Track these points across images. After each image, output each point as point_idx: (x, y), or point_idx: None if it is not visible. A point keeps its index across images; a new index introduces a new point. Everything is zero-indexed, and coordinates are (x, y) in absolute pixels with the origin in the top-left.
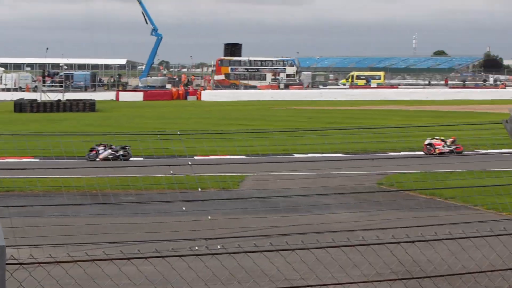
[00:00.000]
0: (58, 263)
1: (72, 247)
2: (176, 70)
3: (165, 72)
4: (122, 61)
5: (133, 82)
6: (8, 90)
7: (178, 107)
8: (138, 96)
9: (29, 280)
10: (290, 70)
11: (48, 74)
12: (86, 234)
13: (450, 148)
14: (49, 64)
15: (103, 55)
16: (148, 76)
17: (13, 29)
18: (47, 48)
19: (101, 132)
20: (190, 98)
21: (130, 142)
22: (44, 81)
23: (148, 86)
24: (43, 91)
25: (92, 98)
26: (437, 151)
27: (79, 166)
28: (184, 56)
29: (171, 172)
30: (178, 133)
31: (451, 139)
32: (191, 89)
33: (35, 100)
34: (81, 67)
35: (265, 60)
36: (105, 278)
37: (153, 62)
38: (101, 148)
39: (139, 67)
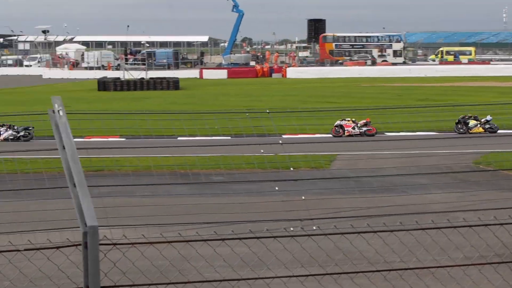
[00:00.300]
0: (152, 244)
1: (165, 227)
2: (259, 47)
3: (248, 49)
4: (204, 38)
5: (216, 59)
6: (91, 68)
7: (263, 84)
8: (222, 74)
9: (122, 260)
10: (397, 46)
11: (130, 52)
12: (178, 214)
13: (361, 131)
14: (130, 42)
15: (184, 32)
16: (231, 53)
17: (93, 7)
18: (128, 26)
19: (187, 110)
20: (275, 75)
21: (218, 121)
22: (126, 59)
23: (231, 63)
24: (126, 69)
25: (176, 76)
26: (346, 134)
27: (167, 145)
28: (266, 33)
29: (262, 151)
30: (267, 111)
31: (364, 121)
32: (275, 66)
33: (118, 78)
34: (163, 44)
35: (370, 36)
36: (200, 259)
37: (235, 39)
38: (3, 129)
39: (222, 44)
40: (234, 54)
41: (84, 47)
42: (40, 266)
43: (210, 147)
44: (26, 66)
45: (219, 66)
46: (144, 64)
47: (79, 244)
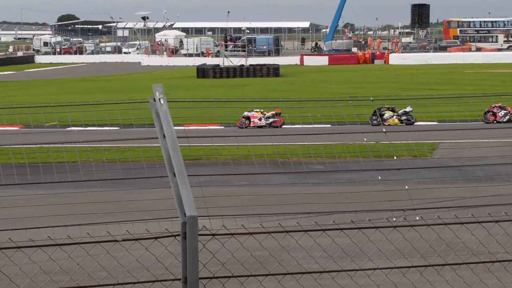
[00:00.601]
0: (252, 234)
1: (264, 217)
2: (361, 32)
3: (350, 35)
4: (305, 24)
5: None
6: (190, 55)
7: (364, 71)
8: (323, 60)
9: (221, 251)
10: None
11: (230, 39)
12: (278, 204)
13: (267, 122)
14: (230, 28)
15: (285, 18)
16: (332, 40)
17: None
18: (228, 12)
19: (287, 97)
20: (377, 61)
21: (320, 108)
22: (226, 46)
23: (333, 49)
24: (225, 56)
25: (276, 63)
26: (252, 125)
27: (267, 133)
28: (369, 18)
29: (365, 139)
30: (371, 98)
31: (272, 112)
32: (377, 52)
33: (218, 65)
34: (263, 31)
35: (495, 21)
36: (299, 250)
37: (337, 25)
38: None
39: (323, 30)
40: (335, 40)
41: (184, 34)
42: (138, 256)
43: (311, 135)
44: (125, 53)
45: (320, 53)
46: (244, 51)
47: (178, 235)
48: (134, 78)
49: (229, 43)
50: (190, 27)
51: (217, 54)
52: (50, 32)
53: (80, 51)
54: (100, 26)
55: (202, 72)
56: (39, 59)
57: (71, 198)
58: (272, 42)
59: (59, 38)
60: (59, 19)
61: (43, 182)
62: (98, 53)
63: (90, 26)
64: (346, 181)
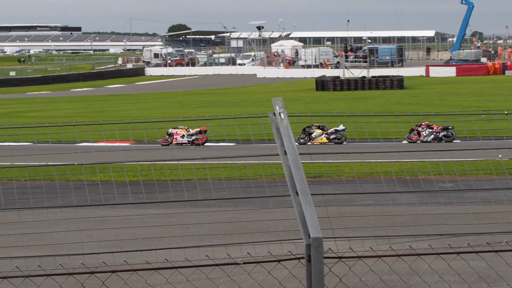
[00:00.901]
0: (380, 257)
1: (393, 239)
2: (490, 41)
3: (478, 44)
4: (431, 33)
5: (443, 56)
6: (308, 66)
7: (495, 82)
8: (451, 71)
9: (349, 275)
10: None
11: (350, 49)
12: (408, 225)
13: (189, 140)
14: (350, 37)
15: (409, 26)
16: (460, 49)
17: (312, 0)
18: (348, 21)
19: (413, 111)
20: (508, 72)
21: (450, 123)
22: (346, 57)
23: (460, 60)
24: (346, 67)
25: (400, 74)
26: (174, 142)
27: (394, 149)
28: (498, 26)
29: (500, 156)
30: (506, 112)
31: (197, 129)
32: (508, 63)
33: (338, 77)
34: (386, 40)
35: None
36: (432, 274)
37: (465, 34)
38: None
39: (449, 39)
40: (463, 49)
41: (301, 44)
42: (260, 280)
43: (441, 151)
44: (239, 64)
45: (447, 63)
46: (365, 62)
47: (302, 257)
48: (250, 91)
49: (349, 53)
50: (308, 37)
51: (336, 66)
52: (161, 43)
53: (192, 62)
54: (213, 37)
55: (322, 84)
56: (149, 71)
57: (188, 218)
58: (395, 52)
59: (170, 49)
60: (170, 29)
61: (158, 201)
62: (211, 65)
63: (203, 37)
64: (480, 201)
